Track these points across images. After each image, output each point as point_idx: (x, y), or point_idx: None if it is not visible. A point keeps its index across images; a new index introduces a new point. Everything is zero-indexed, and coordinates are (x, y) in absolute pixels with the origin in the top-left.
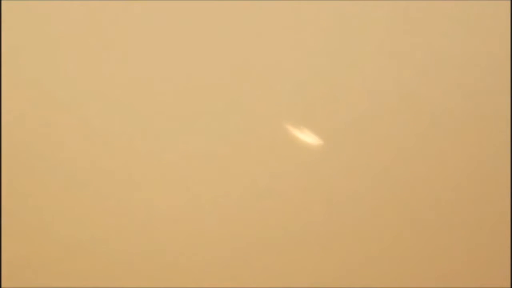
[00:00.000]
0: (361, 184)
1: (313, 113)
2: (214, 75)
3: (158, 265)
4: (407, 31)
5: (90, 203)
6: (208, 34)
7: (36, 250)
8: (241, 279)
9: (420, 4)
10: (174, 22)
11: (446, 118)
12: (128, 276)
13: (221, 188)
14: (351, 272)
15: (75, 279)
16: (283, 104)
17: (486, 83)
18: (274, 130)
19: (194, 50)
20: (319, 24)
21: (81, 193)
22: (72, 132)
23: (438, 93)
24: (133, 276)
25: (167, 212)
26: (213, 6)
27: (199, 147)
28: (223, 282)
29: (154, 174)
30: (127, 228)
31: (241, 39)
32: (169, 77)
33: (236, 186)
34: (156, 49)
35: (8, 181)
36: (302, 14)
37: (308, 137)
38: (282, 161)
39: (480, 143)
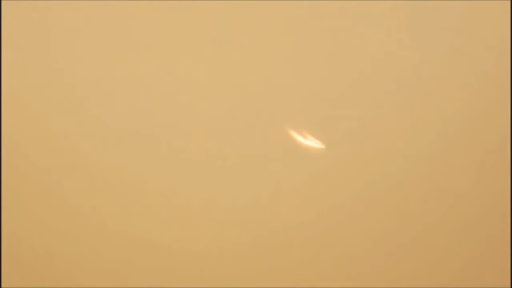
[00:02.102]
0: (364, 189)
1: (315, 117)
2: (214, 77)
3: (156, 263)
4: (409, 32)
5: (91, 201)
6: (208, 35)
7: (37, 250)
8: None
9: (420, 4)
10: (175, 24)
11: (451, 121)
12: (129, 276)
13: (221, 192)
14: (351, 275)
15: (76, 279)
16: (284, 107)
17: (486, 83)
18: (275, 134)
19: (194, 51)
20: (321, 25)
21: (81, 191)
22: (73, 132)
23: (441, 94)
24: (134, 276)
25: (165, 214)
26: (214, 7)
27: (199, 150)
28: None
29: (153, 176)
30: (129, 229)
31: (241, 41)
32: (168, 79)
33: (236, 190)
34: (155, 51)
35: (9, 181)
36: (304, 15)
37: (309, 141)
38: (283, 165)
39: (493, 146)
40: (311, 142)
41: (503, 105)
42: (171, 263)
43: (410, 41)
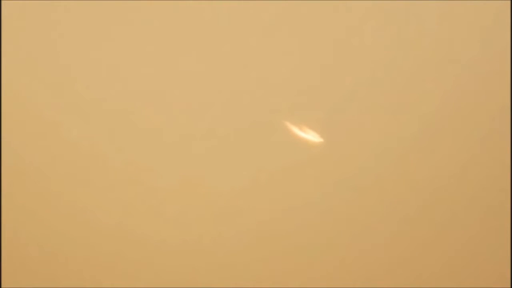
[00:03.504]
0: (362, 182)
1: (313, 110)
2: (212, 73)
3: (149, 253)
4: (406, 30)
5: (90, 200)
6: (205, 32)
7: (37, 250)
8: (235, 281)
9: (419, 4)
10: (173, 22)
11: (448, 117)
12: (128, 273)
13: (219, 186)
14: (348, 273)
15: (76, 279)
16: (282, 101)
17: (486, 83)
18: (274, 127)
19: (191, 47)
20: (316, 23)
21: (78, 188)
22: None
23: (439, 92)
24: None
25: (164, 211)
26: (211, 4)
27: (196, 146)
28: (219, 282)
29: (149, 172)
30: (128, 227)
31: (238, 37)
32: (166, 75)
33: (234, 184)
34: (153, 49)
35: (9, 180)
36: (300, 12)
37: (307, 135)
38: (282, 159)
39: (491, 144)
40: (307, 135)
41: (503, 105)
42: (165, 254)
43: (409, 38)
